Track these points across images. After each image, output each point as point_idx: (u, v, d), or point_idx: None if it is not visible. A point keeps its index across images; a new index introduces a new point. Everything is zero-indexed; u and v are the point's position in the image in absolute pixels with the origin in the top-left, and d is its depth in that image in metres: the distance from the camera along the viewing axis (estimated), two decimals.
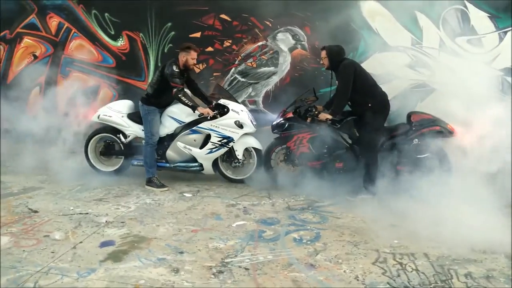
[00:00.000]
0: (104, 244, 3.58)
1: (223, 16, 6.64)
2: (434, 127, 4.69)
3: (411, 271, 3.20)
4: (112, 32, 7.01)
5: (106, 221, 4.06)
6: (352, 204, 4.61)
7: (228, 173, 5.31)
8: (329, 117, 4.73)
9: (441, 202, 4.21)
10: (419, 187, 4.44)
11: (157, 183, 5.04)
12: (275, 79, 6.65)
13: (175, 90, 4.92)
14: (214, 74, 6.73)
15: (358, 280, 3.07)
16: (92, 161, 5.43)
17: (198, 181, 5.38)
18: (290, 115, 4.98)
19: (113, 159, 5.46)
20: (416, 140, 4.69)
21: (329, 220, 4.21)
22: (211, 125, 5.03)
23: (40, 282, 2.96)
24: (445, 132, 4.70)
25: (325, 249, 3.56)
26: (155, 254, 3.42)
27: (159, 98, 5.13)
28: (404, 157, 4.70)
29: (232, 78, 6.74)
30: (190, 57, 5.02)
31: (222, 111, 5.13)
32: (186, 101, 4.91)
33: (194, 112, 4.97)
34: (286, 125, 4.99)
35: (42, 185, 5.08)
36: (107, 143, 5.44)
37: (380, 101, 4.71)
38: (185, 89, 5.03)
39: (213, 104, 5.16)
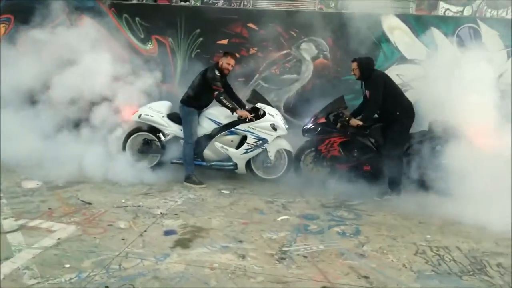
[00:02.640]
0: (167, 233, 3.90)
1: (250, 25, 7.00)
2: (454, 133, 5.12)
3: (449, 261, 3.62)
4: (142, 36, 7.28)
5: (161, 213, 4.37)
6: (380, 203, 5.01)
7: (259, 173, 5.65)
8: (360, 123, 5.14)
9: (463, 200, 4.63)
10: (441, 189, 4.89)
11: (196, 180, 5.36)
12: (297, 86, 7.04)
13: (217, 93, 5.26)
14: (239, 79, 7.07)
15: (406, 267, 3.47)
16: (130, 158, 5.69)
17: (230, 180, 5.70)
18: (323, 120, 5.37)
19: (149, 156, 5.73)
20: (439, 146, 5.12)
21: (363, 217, 4.60)
22: (248, 127, 5.38)
23: (123, 264, 3.27)
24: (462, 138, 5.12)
25: (368, 241, 3.95)
26: (218, 242, 3.75)
27: (199, 100, 5.47)
28: (427, 161, 5.11)
29: (256, 83, 7.11)
30: (225, 62, 5.38)
31: (257, 114, 5.48)
32: (226, 104, 5.26)
33: (233, 114, 5.32)
34: (319, 129, 5.36)
35: (84, 180, 5.33)
36: (145, 141, 5.72)
37: (407, 110, 5.14)
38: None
39: (250, 107, 5.51)
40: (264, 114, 5.44)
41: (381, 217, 4.62)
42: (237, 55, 5.84)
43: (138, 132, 5.78)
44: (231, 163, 5.50)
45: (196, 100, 5.47)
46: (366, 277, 3.27)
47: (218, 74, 5.32)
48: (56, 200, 4.60)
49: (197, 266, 3.30)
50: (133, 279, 3.06)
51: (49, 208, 4.34)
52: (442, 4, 8.23)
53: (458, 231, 4.24)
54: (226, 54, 5.38)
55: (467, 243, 4.00)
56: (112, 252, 3.45)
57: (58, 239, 3.64)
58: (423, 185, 5.17)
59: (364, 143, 5.27)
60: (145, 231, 3.92)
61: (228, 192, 5.23)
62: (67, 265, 3.20)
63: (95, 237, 3.72)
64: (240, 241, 3.80)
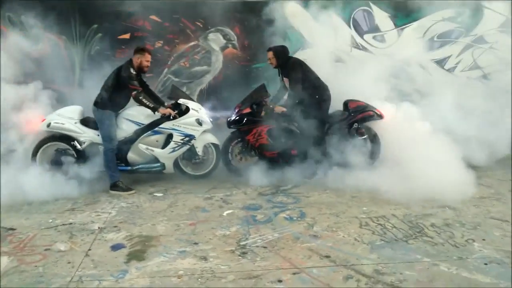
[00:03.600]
0: (115, 248, 3.65)
1: (153, 17, 6.71)
2: (368, 112, 5.54)
3: (392, 229, 3.94)
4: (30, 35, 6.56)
5: (99, 228, 4.06)
6: (311, 184, 5.23)
7: (188, 170, 5.53)
8: (284, 109, 5.29)
9: (382, 172, 5.06)
10: (363, 163, 5.27)
11: (123, 187, 5.07)
12: (208, 77, 6.96)
13: (135, 92, 5.00)
14: (147, 75, 6.75)
15: (358, 241, 3.70)
16: (41, 172, 5.15)
17: (159, 181, 5.50)
18: (248, 110, 5.40)
19: (65, 167, 5.25)
20: (356, 124, 5.49)
21: (301, 199, 4.77)
22: (173, 125, 5.21)
23: None
24: (375, 115, 5.57)
25: (315, 222, 4.12)
26: (173, 248, 3.61)
27: (114, 101, 5.14)
28: (347, 139, 5.45)
29: (165, 78, 6.89)
30: (144, 59, 5.13)
31: (180, 110, 5.33)
32: (147, 103, 5.02)
33: (154, 113, 5.11)
34: (245, 120, 5.39)
35: None
36: (58, 151, 5.23)
37: (325, 92, 5.41)
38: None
39: (170, 103, 5.33)
40: (187, 109, 5.30)
41: (317, 197, 4.84)
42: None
43: (47, 142, 5.25)
44: (158, 164, 5.30)
45: (111, 101, 5.13)
46: (327, 257, 3.42)
47: (134, 73, 5.05)
48: None
49: (162, 277, 3.15)
50: None
51: None
52: None
53: (387, 200, 4.60)
54: (142, 50, 5.10)
55: (399, 209, 4.38)
56: (62, 279, 3.13)
57: None
58: (344, 161, 5.49)
59: (289, 128, 5.43)
60: (90, 249, 3.61)
61: (161, 194, 5.04)
62: None
63: (36, 266, 3.33)
64: (195, 243, 3.71)
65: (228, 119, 5.55)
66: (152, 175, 5.50)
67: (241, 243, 3.68)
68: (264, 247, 3.60)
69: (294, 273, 3.17)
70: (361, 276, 3.11)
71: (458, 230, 3.90)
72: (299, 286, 2.99)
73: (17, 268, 3.31)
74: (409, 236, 3.77)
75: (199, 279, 3.11)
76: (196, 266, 3.30)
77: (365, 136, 5.53)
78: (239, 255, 3.47)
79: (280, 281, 3.06)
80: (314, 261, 3.36)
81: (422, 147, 4.95)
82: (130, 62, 5.11)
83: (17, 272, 3.24)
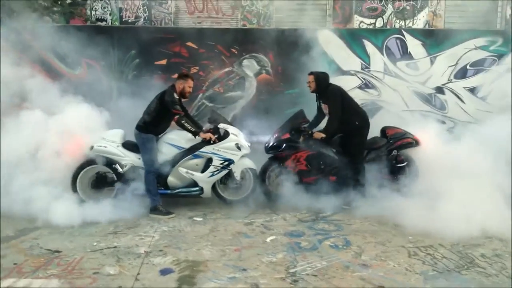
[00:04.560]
0: (164, 272, 3.64)
1: (189, 44, 6.85)
2: (406, 139, 5.52)
3: (442, 259, 3.87)
4: (69, 60, 6.75)
5: (145, 252, 4.05)
6: (350, 212, 5.18)
7: (225, 195, 5.52)
8: (323, 135, 5.29)
9: (421, 201, 4.98)
10: (404, 190, 5.21)
11: (163, 211, 5.07)
12: (241, 102, 7.04)
13: (177, 117, 5.06)
14: (182, 99, 6.85)
15: (409, 271, 3.63)
16: (82, 195, 5.21)
17: (196, 205, 5.49)
18: (287, 136, 5.42)
19: (104, 191, 5.30)
20: (395, 151, 5.46)
21: (344, 227, 4.72)
22: (213, 149, 5.24)
23: None
24: (413, 142, 5.54)
25: (363, 251, 4.06)
26: (222, 274, 3.58)
27: (157, 125, 5.21)
28: (386, 166, 5.42)
29: (200, 103, 6.98)
30: (187, 85, 5.21)
31: (219, 134, 5.37)
32: (189, 127, 5.08)
33: (195, 137, 5.15)
34: (284, 146, 5.40)
35: (37, 226, 4.75)
36: (99, 175, 5.29)
37: (363, 119, 5.41)
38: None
39: (211, 128, 5.38)
40: (227, 134, 5.34)
41: (359, 224, 4.79)
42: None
43: (88, 166, 5.30)
44: (197, 188, 5.31)
45: (153, 125, 5.20)
46: (382, 287, 3.35)
47: (177, 97, 5.12)
48: (16, 252, 4.04)
49: None
50: None
51: (15, 264, 3.79)
52: (356, 17, 8.88)
53: (431, 230, 4.51)
54: (185, 76, 5.21)
55: (445, 240, 4.28)
56: None
57: None
58: (382, 188, 5.43)
59: (328, 155, 5.42)
60: (139, 273, 3.60)
61: (201, 219, 5.03)
62: None
63: None
64: (244, 269, 3.67)
65: (266, 145, 5.56)
66: (189, 199, 5.50)
67: (290, 271, 3.64)
68: (315, 275, 3.55)
69: None
70: None
71: (509, 260, 3.80)
72: None
73: None
74: (461, 267, 3.69)
75: None
76: None
77: (405, 163, 5.47)
78: (291, 283, 3.43)
79: None
80: None
81: (461, 175, 4.88)
82: (173, 87, 5.19)
83: None
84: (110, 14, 9.27)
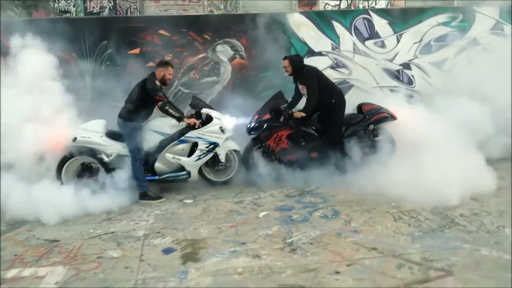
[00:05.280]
0: (167, 251, 3.76)
1: (161, 32, 6.87)
2: (382, 113, 5.80)
3: (425, 220, 4.17)
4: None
5: (143, 234, 4.15)
6: (333, 184, 5.41)
7: (211, 177, 5.66)
8: (303, 114, 5.49)
9: (400, 170, 5.28)
10: (381, 162, 5.49)
11: (153, 196, 5.16)
12: (218, 87, 7.14)
13: (161, 103, 5.12)
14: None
15: (397, 233, 3.91)
16: (68, 186, 5.19)
17: (183, 189, 5.60)
18: (267, 116, 5.59)
19: (90, 181, 5.31)
20: (372, 125, 5.74)
21: (330, 199, 4.96)
22: (198, 134, 5.34)
23: None
24: (388, 116, 5.84)
25: (351, 219, 4.31)
26: (223, 249, 3.74)
27: (140, 113, 5.25)
28: (364, 140, 5.69)
29: (176, 90, 7.03)
30: (167, 72, 5.27)
31: (202, 119, 5.48)
32: (173, 113, 5.16)
33: (179, 123, 5.24)
34: (265, 126, 5.57)
35: (26, 219, 4.74)
36: (84, 166, 5.30)
37: (340, 96, 5.65)
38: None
39: (194, 113, 5.48)
40: (210, 118, 5.45)
41: (344, 195, 5.03)
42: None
43: (71, 158, 5.30)
44: (184, 172, 5.42)
45: (137, 113, 5.24)
46: (374, 249, 3.60)
47: (158, 84, 5.18)
48: (14, 245, 4.06)
49: (223, 275, 3.28)
50: None
51: (15, 255, 3.81)
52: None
53: (412, 196, 4.79)
54: (165, 64, 5.25)
55: (425, 204, 4.58)
56: (127, 282, 3.23)
57: (56, 283, 3.26)
58: (362, 161, 5.70)
59: (308, 132, 5.63)
60: (142, 254, 3.71)
61: (191, 201, 5.15)
62: None
63: (95, 273, 3.41)
64: (243, 243, 3.84)
65: (248, 126, 5.72)
66: (176, 184, 5.60)
67: (287, 241, 3.84)
68: (311, 243, 3.76)
69: (348, 265, 3.34)
70: (412, 264, 3.31)
71: (486, 218, 4.15)
72: (357, 276, 3.16)
73: (77, 276, 3.38)
74: (443, 226, 4.00)
75: (260, 275, 3.25)
76: (251, 263, 3.44)
77: (380, 137, 5.76)
78: (290, 252, 3.62)
79: (337, 272, 3.23)
80: (362, 253, 3.54)
81: (437, 143, 5.19)
82: (153, 75, 5.24)
83: (78, 280, 3.32)
84: (73, 6, 9.09)
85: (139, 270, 3.41)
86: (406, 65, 7.47)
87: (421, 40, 7.45)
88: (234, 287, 3.09)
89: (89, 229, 4.37)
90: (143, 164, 5.27)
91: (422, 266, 3.26)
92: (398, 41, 7.40)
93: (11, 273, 3.46)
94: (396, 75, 7.47)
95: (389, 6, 9.22)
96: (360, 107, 5.92)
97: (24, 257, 3.77)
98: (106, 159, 5.24)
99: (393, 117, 5.83)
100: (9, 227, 4.55)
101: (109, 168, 5.29)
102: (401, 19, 7.37)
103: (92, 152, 5.28)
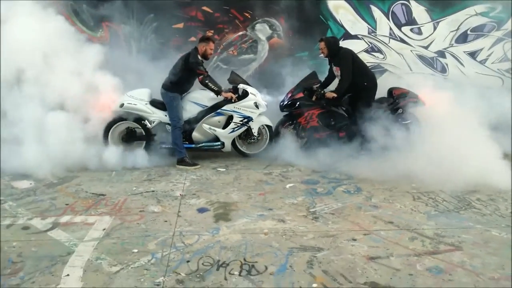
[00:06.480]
0: (201, 210, 4.17)
1: (205, 8, 7.18)
2: (411, 98, 5.99)
3: (442, 202, 4.42)
4: (92, 23, 7.07)
5: (180, 195, 4.58)
6: (359, 163, 5.66)
7: (244, 149, 6.03)
8: (335, 95, 5.75)
9: (424, 153, 5.48)
10: (406, 145, 5.71)
11: (190, 162, 5.58)
12: (254, 65, 7.44)
13: (201, 77, 5.49)
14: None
15: (415, 211, 4.18)
16: (113, 148, 5.68)
17: (217, 158, 6.01)
18: (300, 95, 5.88)
19: (134, 144, 5.79)
20: (400, 109, 5.95)
21: (354, 176, 5.24)
22: (234, 107, 5.71)
23: (186, 241, 3.51)
24: (417, 101, 6.02)
25: (372, 195, 4.61)
26: (252, 212, 4.12)
27: (182, 85, 5.65)
28: (392, 123, 5.90)
29: (215, 65, 7.37)
30: (209, 47, 5.61)
31: (239, 94, 5.82)
32: (212, 87, 5.52)
33: (217, 96, 5.62)
34: (297, 104, 5.87)
35: (76, 174, 5.26)
36: (129, 130, 5.76)
37: (372, 80, 5.87)
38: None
39: (231, 88, 5.83)
40: (246, 93, 5.79)
41: (367, 174, 5.28)
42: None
43: (118, 121, 5.76)
44: (219, 143, 5.81)
45: (179, 85, 5.63)
46: (391, 222, 3.91)
47: (201, 59, 5.53)
48: (65, 196, 4.56)
49: (251, 233, 3.66)
50: (206, 251, 3.33)
51: (66, 204, 4.31)
52: None
53: (430, 178, 5.03)
54: (207, 39, 5.58)
55: (445, 186, 4.81)
56: (166, 233, 3.65)
57: (104, 229, 3.72)
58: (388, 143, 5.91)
59: (338, 112, 5.90)
60: (179, 211, 4.14)
61: (224, 169, 5.55)
62: (135, 250, 3.35)
63: (138, 223, 3.86)
64: (270, 209, 4.21)
65: (281, 103, 6.03)
66: (210, 153, 6.00)
67: (311, 210, 4.19)
68: (332, 214, 4.10)
69: (365, 234, 3.66)
70: (424, 237, 3.60)
71: (502, 204, 4.37)
72: (372, 244, 3.48)
73: (122, 225, 3.84)
74: (459, 208, 4.25)
75: (283, 236, 3.61)
76: (277, 226, 3.81)
77: (409, 121, 5.96)
78: (312, 219, 3.97)
79: (354, 239, 3.56)
80: (380, 225, 3.85)
81: (461, 131, 5.36)
82: (196, 50, 5.59)
83: (123, 228, 3.77)
84: None
85: (176, 224, 3.84)
86: (441, 53, 7.54)
87: (457, 29, 7.49)
88: (260, 244, 3.46)
89: (131, 187, 4.84)
90: (182, 132, 5.67)
91: (433, 240, 3.54)
92: (435, 28, 7.46)
93: (64, 219, 3.95)
94: (430, 63, 7.56)
95: None
96: (390, 91, 6.11)
97: (74, 206, 4.26)
98: (149, 125, 5.68)
99: (422, 102, 6.00)
100: (60, 180, 5.07)
101: (151, 134, 5.72)
102: (439, 7, 7.41)
103: (137, 118, 5.72)
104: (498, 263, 3.17)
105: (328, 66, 6.12)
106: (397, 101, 5.98)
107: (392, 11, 7.40)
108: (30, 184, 4.92)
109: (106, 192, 4.66)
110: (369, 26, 7.42)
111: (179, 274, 3.00)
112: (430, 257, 3.26)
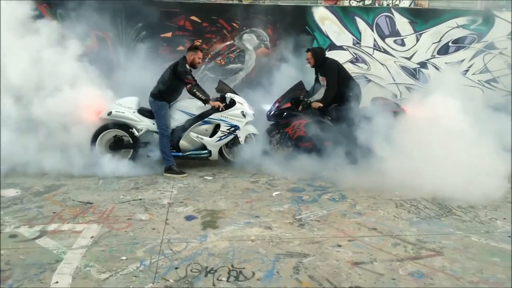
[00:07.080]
0: (189, 218, 4.22)
1: (193, 18, 7.28)
2: (393, 108, 6.13)
3: (424, 209, 4.55)
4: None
5: (168, 203, 4.63)
6: (344, 172, 5.78)
7: (230, 157, 6.10)
8: (321, 105, 5.88)
9: (407, 161, 5.60)
10: (390, 153, 5.84)
11: (177, 170, 5.63)
12: (241, 74, 7.55)
13: (189, 86, 5.56)
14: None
15: (397, 218, 4.30)
16: (101, 156, 5.70)
17: (204, 167, 6.06)
18: (288, 105, 5.99)
19: (121, 152, 5.82)
20: (382, 119, 6.07)
21: (339, 184, 5.35)
22: (221, 116, 5.78)
23: (174, 249, 3.56)
24: (400, 111, 6.17)
25: (356, 202, 4.72)
26: (239, 220, 4.19)
27: (170, 93, 5.71)
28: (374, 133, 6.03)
29: (202, 74, 7.45)
30: (197, 56, 5.69)
31: (226, 103, 5.91)
32: (200, 95, 5.60)
33: (205, 105, 5.69)
34: (285, 114, 5.97)
35: (62, 182, 5.27)
36: (116, 138, 5.79)
37: (356, 91, 6.01)
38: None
39: (219, 97, 5.91)
40: (233, 102, 5.88)
41: (352, 182, 5.40)
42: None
43: (105, 130, 5.79)
44: (206, 151, 5.87)
45: (167, 94, 5.70)
46: (374, 229, 4.01)
47: (188, 68, 5.61)
48: (52, 204, 4.56)
49: (238, 240, 3.73)
50: (194, 258, 3.38)
51: (54, 212, 4.32)
52: None
53: (414, 187, 5.16)
54: (195, 48, 5.66)
55: (427, 194, 4.94)
56: (154, 241, 3.69)
57: (92, 237, 3.75)
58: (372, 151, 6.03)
59: (324, 122, 6.01)
60: (167, 219, 4.18)
61: (211, 178, 5.61)
62: (124, 257, 3.39)
63: (126, 231, 3.89)
64: (257, 216, 4.28)
65: (268, 113, 6.12)
66: (198, 161, 6.06)
67: (297, 217, 4.27)
68: (318, 221, 4.19)
69: (349, 240, 3.76)
70: (406, 243, 3.71)
71: (482, 211, 4.51)
72: (356, 250, 3.57)
73: (110, 232, 3.87)
74: (440, 215, 4.38)
75: (270, 243, 3.69)
76: (264, 233, 3.88)
77: (391, 130, 6.09)
78: (298, 226, 4.05)
79: (339, 245, 3.65)
80: (364, 232, 3.95)
81: (444, 140, 5.51)
82: (184, 59, 5.67)
83: (111, 236, 3.80)
84: None
85: (164, 232, 3.88)
86: (423, 64, 7.74)
87: (439, 40, 7.71)
88: (247, 250, 3.52)
89: (119, 195, 4.86)
90: (170, 140, 5.72)
91: (415, 246, 3.65)
92: (418, 40, 7.67)
93: (51, 227, 3.96)
94: (413, 73, 7.76)
95: (412, 5, 9.42)
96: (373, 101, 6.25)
97: (62, 214, 4.27)
98: (136, 133, 5.72)
99: (403, 112, 6.15)
100: (46, 188, 5.07)
101: (138, 142, 5.76)
102: (422, 19, 7.63)
103: (125, 126, 5.76)
104: (477, 267, 3.29)
105: (314, 76, 6.23)
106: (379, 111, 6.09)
107: (377, 23, 7.59)
108: (17, 192, 4.92)
109: (93, 200, 4.68)
110: (354, 37, 7.59)
111: (168, 280, 3.04)
112: (412, 262, 3.37)
